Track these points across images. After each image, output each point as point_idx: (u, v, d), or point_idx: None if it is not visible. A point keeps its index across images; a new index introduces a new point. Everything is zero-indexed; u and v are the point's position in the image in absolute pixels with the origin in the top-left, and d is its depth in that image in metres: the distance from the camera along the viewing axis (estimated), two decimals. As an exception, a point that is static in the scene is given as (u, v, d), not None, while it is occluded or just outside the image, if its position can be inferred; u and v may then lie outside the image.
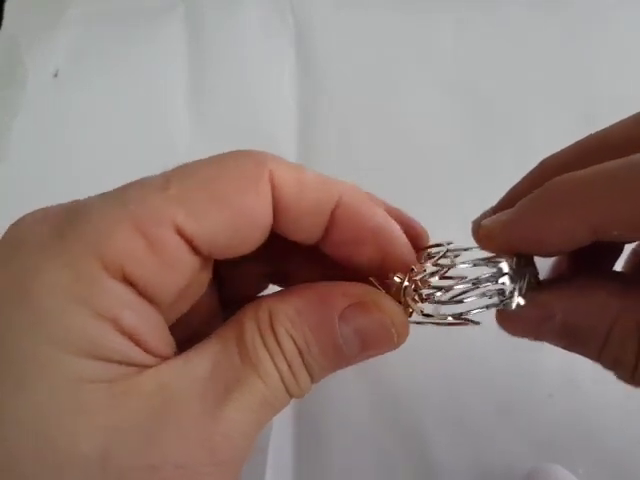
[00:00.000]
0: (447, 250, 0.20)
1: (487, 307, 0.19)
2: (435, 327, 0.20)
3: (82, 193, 0.18)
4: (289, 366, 0.18)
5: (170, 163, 0.18)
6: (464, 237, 0.22)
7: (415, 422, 0.32)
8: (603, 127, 0.20)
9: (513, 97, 0.42)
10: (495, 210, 0.22)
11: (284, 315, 0.18)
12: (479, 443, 0.32)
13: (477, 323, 0.20)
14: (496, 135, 0.41)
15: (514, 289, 0.19)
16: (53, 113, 0.43)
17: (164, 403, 0.16)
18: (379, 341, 0.19)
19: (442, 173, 0.40)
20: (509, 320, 0.20)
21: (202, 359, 0.17)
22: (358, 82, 0.44)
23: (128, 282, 0.16)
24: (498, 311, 0.20)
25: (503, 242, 0.20)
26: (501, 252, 0.19)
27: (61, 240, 0.16)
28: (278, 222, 0.19)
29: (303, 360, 0.18)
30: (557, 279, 0.21)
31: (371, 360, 0.20)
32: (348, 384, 0.33)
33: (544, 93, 0.42)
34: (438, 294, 0.19)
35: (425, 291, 0.20)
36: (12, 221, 0.18)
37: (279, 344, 0.18)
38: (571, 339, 0.20)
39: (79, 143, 0.42)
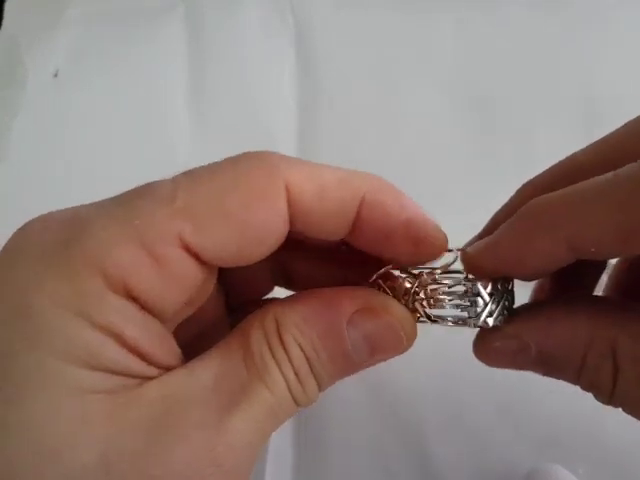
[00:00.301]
0: (457, 257, 0.20)
1: (454, 317, 0.20)
2: (434, 327, 0.20)
3: (82, 193, 0.18)
4: (296, 374, 0.18)
5: (170, 163, 0.18)
6: (465, 238, 0.22)
7: (415, 422, 0.32)
8: (603, 127, 0.20)
9: (513, 97, 0.42)
10: (480, 236, 0.22)
11: (291, 323, 0.18)
12: (479, 443, 0.32)
13: (476, 327, 0.20)
14: (496, 135, 0.41)
15: (483, 310, 0.19)
16: (53, 113, 0.43)
17: (167, 413, 0.16)
18: (388, 345, 0.19)
19: (442, 173, 0.40)
20: (485, 353, 0.20)
21: (206, 369, 0.17)
22: (358, 82, 0.44)
23: (130, 297, 0.16)
24: (474, 345, 0.21)
25: (481, 268, 0.19)
26: (481, 276, 0.19)
27: (64, 252, 0.16)
28: (299, 226, 0.18)
29: (311, 368, 0.18)
30: (532, 306, 0.21)
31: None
32: (348, 385, 0.33)
33: (544, 93, 0.42)
34: (447, 300, 0.19)
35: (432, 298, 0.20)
36: (12, 221, 0.17)
37: (287, 353, 0.17)
38: (548, 367, 0.19)
39: (79, 143, 0.42)
